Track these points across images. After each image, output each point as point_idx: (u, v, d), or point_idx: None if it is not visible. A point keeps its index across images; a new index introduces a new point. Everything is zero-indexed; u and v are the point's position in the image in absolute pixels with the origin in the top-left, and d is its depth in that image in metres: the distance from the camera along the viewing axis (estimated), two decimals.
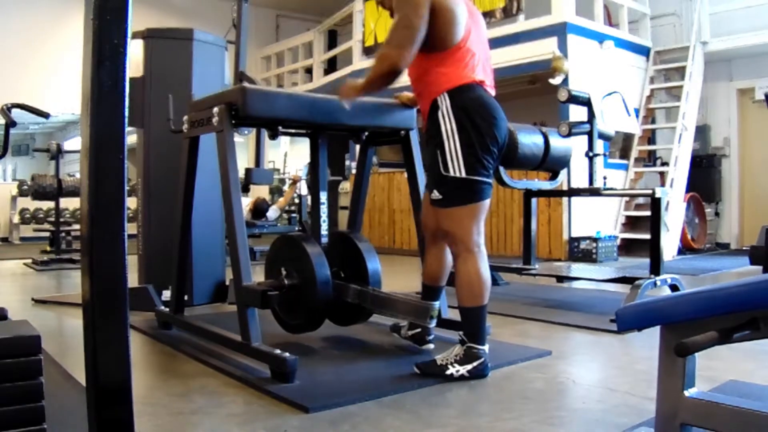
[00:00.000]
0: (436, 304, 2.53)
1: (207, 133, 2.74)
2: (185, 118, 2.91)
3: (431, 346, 2.61)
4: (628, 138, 7.54)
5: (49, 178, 6.81)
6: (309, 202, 2.89)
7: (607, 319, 3.26)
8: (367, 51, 9.20)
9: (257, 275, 2.70)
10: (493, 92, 2.39)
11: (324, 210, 2.85)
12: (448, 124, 2.26)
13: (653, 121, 7.92)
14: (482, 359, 2.31)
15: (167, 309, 3.17)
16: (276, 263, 2.76)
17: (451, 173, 2.27)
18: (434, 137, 2.31)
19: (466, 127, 2.25)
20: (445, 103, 2.27)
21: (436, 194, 2.33)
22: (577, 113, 5.40)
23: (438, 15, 2.23)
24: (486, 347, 2.34)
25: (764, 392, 2.15)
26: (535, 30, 6.90)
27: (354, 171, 3.37)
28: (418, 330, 2.65)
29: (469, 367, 2.29)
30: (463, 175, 2.26)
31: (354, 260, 2.81)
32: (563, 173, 4.67)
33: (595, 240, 6.37)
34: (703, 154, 7.95)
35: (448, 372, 2.29)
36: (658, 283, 3.60)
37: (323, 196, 2.86)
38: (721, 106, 8.01)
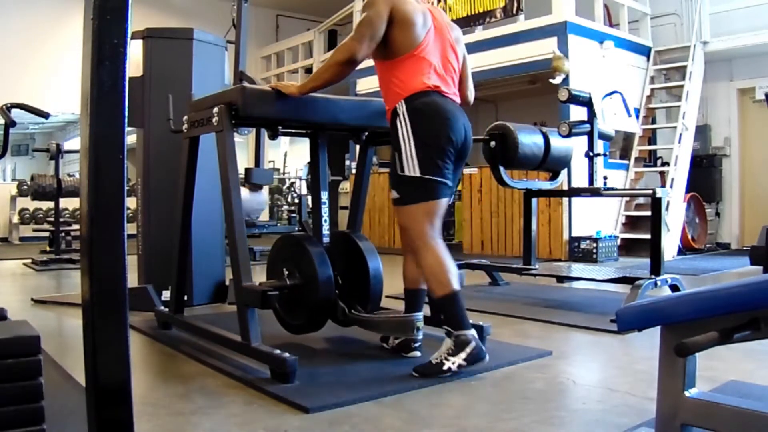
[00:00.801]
0: (419, 315, 2.55)
1: (207, 133, 2.74)
2: (185, 118, 2.91)
3: (417, 353, 2.60)
4: (628, 138, 7.54)
5: (48, 178, 6.80)
6: (309, 202, 2.90)
7: (607, 319, 3.25)
8: None
9: (257, 275, 2.70)
10: (456, 99, 2.50)
11: (325, 210, 2.84)
12: (403, 128, 2.40)
13: (653, 121, 7.92)
14: (473, 343, 2.30)
15: (167, 309, 3.16)
16: (278, 263, 2.76)
17: (407, 173, 2.39)
18: (394, 142, 2.44)
19: (418, 130, 2.38)
20: (402, 110, 2.41)
21: (394, 194, 2.46)
22: (577, 113, 5.40)
23: (395, 20, 2.37)
24: (472, 330, 2.34)
25: (765, 393, 2.15)
26: (535, 30, 6.90)
27: (354, 171, 3.37)
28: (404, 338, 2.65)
29: (463, 355, 2.28)
30: (418, 174, 2.38)
31: (356, 260, 2.81)
32: (563, 173, 4.67)
33: (596, 240, 6.36)
34: (704, 154, 7.95)
35: (446, 367, 2.27)
36: (659, 283, 3.59)
37: (324, 196, 2.86)
38: (721, 105, 8.01)
